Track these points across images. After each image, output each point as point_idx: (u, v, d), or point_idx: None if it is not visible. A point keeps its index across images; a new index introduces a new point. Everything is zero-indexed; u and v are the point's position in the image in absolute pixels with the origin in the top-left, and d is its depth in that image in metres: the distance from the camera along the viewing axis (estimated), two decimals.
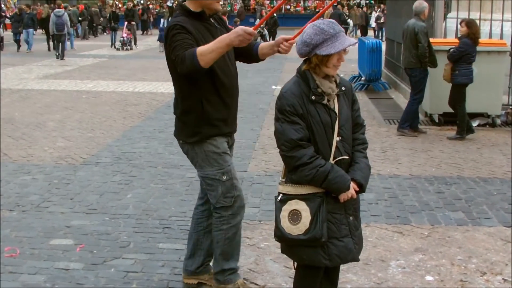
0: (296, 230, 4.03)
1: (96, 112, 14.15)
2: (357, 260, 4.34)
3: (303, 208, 4.04)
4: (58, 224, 7.09)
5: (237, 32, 4.52)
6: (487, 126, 12.68)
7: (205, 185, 5.21)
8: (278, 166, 9.36)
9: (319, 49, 3.95)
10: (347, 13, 46.04)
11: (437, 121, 12.70)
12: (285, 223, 4.07)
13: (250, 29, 4.54)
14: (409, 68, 11.82)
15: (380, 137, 11.69)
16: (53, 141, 11.21)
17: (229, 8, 52.87)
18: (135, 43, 34.90)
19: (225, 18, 22.28)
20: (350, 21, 43.55)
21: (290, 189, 4.12)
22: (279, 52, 5.04)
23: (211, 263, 5.56)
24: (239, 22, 30.84)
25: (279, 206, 4.14)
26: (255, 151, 10.55)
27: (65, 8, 31.94)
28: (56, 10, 28.86)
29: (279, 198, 4.17)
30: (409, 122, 11.91)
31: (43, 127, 12.43)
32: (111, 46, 34.03)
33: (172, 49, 4.73)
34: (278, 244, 4.41)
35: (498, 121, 12.80)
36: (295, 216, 4.05)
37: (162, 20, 47.70)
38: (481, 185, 8.72)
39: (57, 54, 27.70)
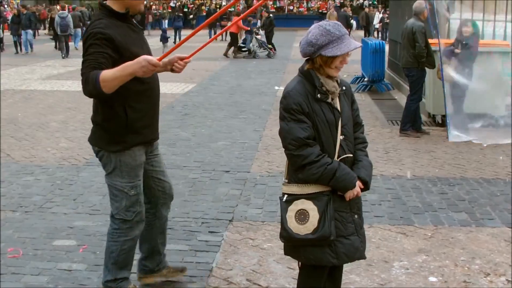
0: (304, 229, 4.03)
1: None
2: (364, 257, 4.35)
3: (311, 208, 4.04)
4: (61, 225, 7.09)
5: (141, 63, 4.37)
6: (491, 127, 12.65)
7: (110, 193, 5.05)
8: (281, 167, 9.36)
9: (324, 50, 3.97)
10: (351, 15, 46.05)
11: (440, 121, 12.67)
12: (292, 223, 4.07)
13: (155, 60, 4.40)
14: (407, 68, 11.84)
15: (383, 138, 11.67)
16: (56, 142, 11.21)
17: (232, 9, 52.71)
18: None
19: (237, 18, 22.29)
20: (354, 23, 43.56)
21: (295, 189, 4.12)
22: (172, 71, 4.96)
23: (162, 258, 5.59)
24: (252, 21, 30.79)
25: (285, 206, 4.13)
26: (258, 152, 10.54)
27: (74, 9, 32.88)
28: (60, 12, 30.38)
29: (284, 198, 4.16)
30: (410, 123, 11.89)
31: (46, 128, 12.43)
32: None
33: (83, 62, 4.54)
34: (282, 245, 4.40)
35: (502, 122, 12.76)
36: (302, 215, 4.05)
37: (163, 21, 47.67)
38: (485, 186, 8.70)
39: (63, 55, 28.68)
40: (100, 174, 9.09)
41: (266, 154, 10.41)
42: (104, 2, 4.85)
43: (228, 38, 31.97)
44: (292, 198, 4.12)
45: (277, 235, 6.69)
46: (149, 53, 4.78)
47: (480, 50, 12.04)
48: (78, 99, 15.57)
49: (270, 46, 29.21)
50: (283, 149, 4.21)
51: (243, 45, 29.75)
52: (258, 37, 29.95)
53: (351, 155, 4.25)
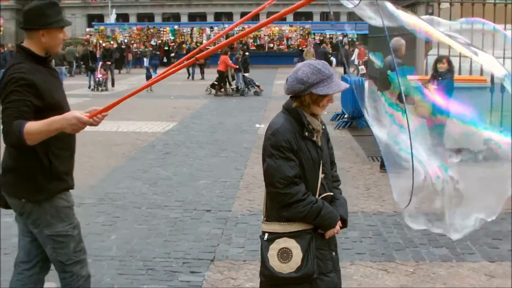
0: (287, 268, 4.02)
1: (80, 152, 13.95)
2: None
3: (294, 246, 4.04)
4: None
5: (70, 120, 4.23)
6: (471, 161, 12.71)
7: (54, 244, 4.76)
8: (262, 206, 9.36)
9: (315, 89, 4.02)
10: (330, 51, 46.39)
11: None
12: (274, 262, 4.06)
13: (85, 118, 4.27)
14: None
15: (363, 174, 11.71)
16: None
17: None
18: (112, 84, 33.23)
19: (226, 56, 22.12)
20: (333, 59, 43.88)
21: (277, 227, 4.11)
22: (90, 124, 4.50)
23: None
24: (240, 59, 30.78)
25: (266, 245, 4.12)
26: (239, 190, 10.54)
27: (83, 45, 34.57)
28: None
29: (265, 237, 4.15)
30: None
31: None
32: (89, 88, 32.71)
33: (4, 109, 4.31)
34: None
35: (480, 157, 12.82)
36: (285, 254, 4.04)
37: (144, 59, 47.72)
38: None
39: None
40: (80, 214, 8.94)
41: (247, 192, 10.41)
42: (22, 44, 4.68)
43: (208, 76, 32.08)
44: (274, 236, 4.11)
45: (258, 274, 6.70)
46: (66, 101, 4.79)
47: (457, 86, 12.14)
48: None
49: (257, 84, 29.25)
50: (266, 187, 4.21)
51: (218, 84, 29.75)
52: (247, 75, 30.01)
53: (331, 194, 4.29)
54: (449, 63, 11.43)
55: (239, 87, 29.14)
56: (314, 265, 4.05)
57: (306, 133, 4.11)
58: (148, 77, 31.32)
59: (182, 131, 17.64)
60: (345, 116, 18.54)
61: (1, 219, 8.80)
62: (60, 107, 4.61)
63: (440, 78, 11.32)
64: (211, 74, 31.89)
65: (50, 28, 4.60)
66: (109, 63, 33.88)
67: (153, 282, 6.61)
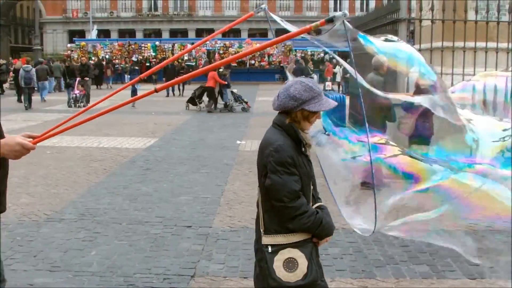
0: (294, 277, 4.17)
1: (61, 167, 14.06)
2: None
3: (298, 255, 4.19)
4: (21, 282, 7.00)
5: (13, 147, 4.05)
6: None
7: None
8: (243, 222, 9.37)
9: (307, 105, 4.19)
10: (312, 68, 46.55)
11: None
12: (281, 272, 4.18)
13: (30, 144, 4.09)
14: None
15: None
16: (17, 197, 11.09)
17: (193, 64, 53.03)
18: (87, 100, 31.76)
19: (215, 72, 21.91)
20: (315, 76, 44.01)
21: (281, 239, 4.23)
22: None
23: None
24: (228, 75, 30.64)
25: (271, 257, 4.22)
26: (220, 207, 10.52)
27: (41, 63, 35.39)
28: (25, 65, 31.59)
29: (269, 250, 4.24)
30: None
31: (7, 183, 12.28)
32: (68, 104, 31.62)
33: None
34: None
35: None
36: (290, 264, 4.18)
37: (125, 75, 47.69)
38: (446, 237, 8.75)
39: (26, 105, 30.30)
40: (61, 230, 9.07)
41: (228, 208, 10.40)
42: None
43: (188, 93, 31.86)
44: (278, 248, 4.22)
45: None
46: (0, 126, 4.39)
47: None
48: (39, 154, 15.46)
49: (245, 100, 29.20)
50: (265, 202, 4.30)
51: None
52: (235, 90, 29.97)
53: (322, 204, 4.49)
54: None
55: (228, 103, 29.11)
56: (318, 271, 4.27)
57: (303, 149, 4.29)
58: (133, 91, 31.03)
59: (163, 147, 17.60)
60: (326, 132, 18.57)
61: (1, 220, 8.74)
62: None
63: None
64: (190, 91, 31.79)
65: None
66: (87, 79, 33.09)
67: None
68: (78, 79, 32.08)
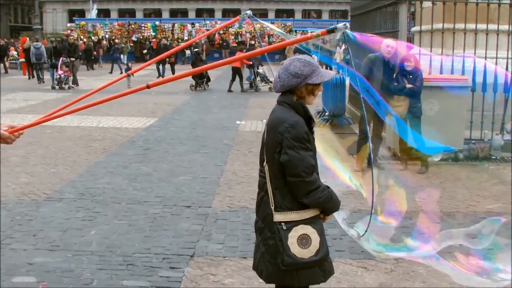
0: (308, 252, 4.22)
1: (60, 147, 14.04)
2: (333, 272, 4.53)
3: (311, 231, 4.25)
4: (20, 261, 7.00)
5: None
6: (450, 160, 12.81)
7: None
8: (243, 202, 9.38)
9: (310, 79, 4.24)
10: (311, 48, 46.36)
11: (399, 155, 12.77)
12: (296, 249, 4.22)
13: (5, 133, 4.12)
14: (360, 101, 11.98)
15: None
16: (16, 177, 11.09)
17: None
18: (75, 83, 31.21)
19: (241, 53, 21.98)
20: (315, 56, 43.83)
21: (294, 216, 4.27)
22: (5, 142, 4.25)
23: None
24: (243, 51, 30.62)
25: (285, 234, 4.25)
26: (220, 187, 10.52)
27: (52, 42, 36.63)
28: (35, 43, 34.65)
29: (284, 227, 4.26)
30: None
31: (6, 163, 12.29)
32: (52, 85, 30.72)
33: None
34: (244, 280, 4.43)
35: (461, 156, 12.94)
36: (304, 240, 4.23)
37: (122, 55, 47.17)
38: (444, 219, 8.76)
39: (41, 78, 33.74)
40: (60, 209, 9.07)
41: (227, 189, 10.40)
42: None
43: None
44: (291, 225, 4.26)
45: (238, 270, 6.72)
46: None
47: (438, 85, 12.22)
48: (39, 134, 15.45)
49: (271, 80, 29.17)
50: (277, 179, 4.30)
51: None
52: (260, 70, 29.92)
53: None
54: (416, 61, 11.47)
55: (253, 83, 29.11)
56: (327, 247, 4.34)
57: (312, 125, 4.38)
58: (127, 70, 30.83)
59: (163, 127, 17.59)
60: (326, 113, 18.57)
61: (1, 218, 8.75)
62: None
63: (410, 76, 11.34)
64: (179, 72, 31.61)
65: None
66: (73, 59, 31.84)
67: (132, 277, 6.59)
68: (61, 58, 31.21)
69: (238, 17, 5.58)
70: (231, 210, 9.17)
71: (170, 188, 10.37)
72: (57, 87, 30.11)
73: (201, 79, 29.30)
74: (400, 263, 7.06)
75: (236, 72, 29.05)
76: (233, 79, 29.15)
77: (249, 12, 5.48)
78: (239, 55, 28.26)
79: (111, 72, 42.16)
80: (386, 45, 11.80)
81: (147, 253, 7.33)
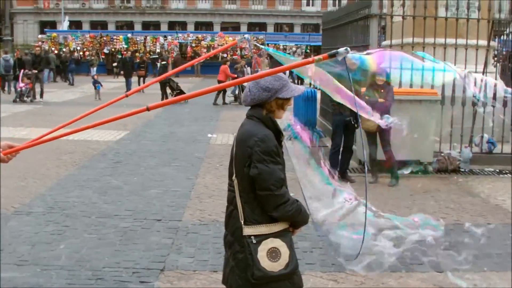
0: (278, 266, 4.21)
1: (30, 160, 13.92)
2: (303, 286, 4.51)
3: (280, 244, 4.24)
4: None
5: None
6: (420, 173, 12.91)
7: None
8: (214, 215, 9.37)
9: (281, 93, 4.27)
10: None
11: (369, 168, 12.84)
12: (265, 262, 4.20)
13: (0, 155, 4.03)
14: (331, 114, 12.21)
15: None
16: None
17: (156, 57, 52.24)
18: (41, 95, 30.22)
19: (226, 66, 22.27)
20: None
21: (263, 229, 4.25)
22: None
23: None
24: (240, 69, 30.92)
25: (255, 248, 4.23)
26: (190, 200, 10.51)
27: (26, 54, 35.50)
28: (4, 55, 34.15)
29: (253, 241, 4.25)
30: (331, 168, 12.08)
31: None
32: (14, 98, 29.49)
33: None
34: None
35: (430, 168, 13.06)
36: (273, 253, 4.22)
37: (91, 68, 46.84)
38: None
39: (7, 90, 33.30)
40: (29, 223, 8.99)
41: (198, 202, 10.38)
42: None
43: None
44: (261, 238, 4.24)
45: (209, 284, 6.71)
46: None
47: (408, 99, 12.34)
48: None
49: None
50: (244, 193, 4.28)
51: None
52: (245, 84, 30.04)
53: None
54: (387, 76, 11.59)
55: (237, 97, 29.20)
56: (297, 260, 4.33)
57: (281, 139, 4.38)
58: (94, 83, 30.67)
59: (134, 140, 17.53)
60: (297, 126, 18.60)
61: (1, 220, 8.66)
62: None
63: (382, 91, 11.43)
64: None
65: None
66: (35, 71, 30.63)
67: None
68: (22, 71, 30.09)
69: (235, 40, 5.61)
70: (201, 224, 9.15)
71: (141, 202, 10.32)
72: (18, 99, 28.98)
73: (175, 92, 29.40)
74: (370, 275, 7.09)
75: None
76: (218, 92, 29.20)
77: (247, 36, 5.54)
78: (224, 68, 28.61)
79: (72, 84, 42.15)
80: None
81: (117, 267, 7.29)
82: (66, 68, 46.42)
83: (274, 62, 33.70)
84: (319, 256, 7.77)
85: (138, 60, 40.35)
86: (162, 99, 29.00)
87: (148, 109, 3.83)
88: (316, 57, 3.75)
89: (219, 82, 29.32)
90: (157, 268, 7.27)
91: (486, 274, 7.21)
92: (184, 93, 29.67)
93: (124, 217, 9.39)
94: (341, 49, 3.72)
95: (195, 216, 9.56)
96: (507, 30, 21.15)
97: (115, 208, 9.93)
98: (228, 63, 31.28)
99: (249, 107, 4.40)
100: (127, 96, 4.13)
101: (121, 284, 6.77)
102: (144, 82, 36.26)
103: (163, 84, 29.54)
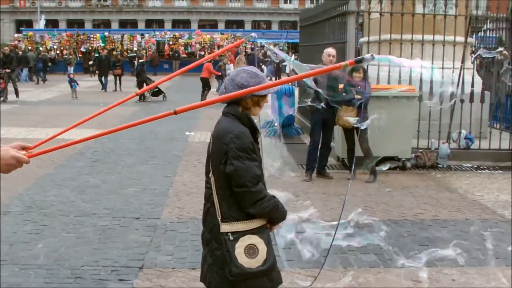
0: (256, 262, 4.20)
1: None
2: (281, 282, 4.51)
3: (258, 241, 4.23)
4: None
5: (8, 160, 3.77)
6: (398, 169, 12.98)
7: None
8: (192, 213, 9.37)
9: (256, 91, 4.19)
10: (263, 58, 46.69)
11: (348, 165, 12.90)
12: (243, 259, 4.20)
13: (25, 158, 3.85)
14: (309, 111, 12.23)
15: (293, 182, 11.79)
16: None
17: (134, 55, 51.86)
18: (16, 95, 29.40)
19: (210, 64, 22.33)
20: (265, 68, 44.16)
21: (241, 226, 4.25)
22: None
23: None
24: (223, 66, 30.92)
25: (232, 244, 4.23)
26: (169, 198, 10.50)
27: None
28: None
29: (231, 238, 4.24)
30: (310, 166, 12.13)
31: None
32: None
33: None
34: None
35: (408, 164, 13.13)
36: (251, 250, 4.21)
37: (68, 67, 46.58)
38: (392, 227, 8.87)
39: None
40: (7, 222, 8.94)
41: (176, 200, 10.38)
42: None
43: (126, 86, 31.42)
44: (238, 235, 4.24)
45: (187, 281, 6.71)
46: None
47: (386, 94, 12.39)
48: None
49: None
50: (222, 190, 4.27)
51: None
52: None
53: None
54: (365, 72, 11.68)
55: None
56: (275, 256, 4.33)
57: (257, 136, 4.37)
58: (70, 81, 30.55)
59: (112, 138, 17.42)
60: (275, 124, 18.63)
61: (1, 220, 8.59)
62: None
63: (358, 86, 11.47)
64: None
65: None
66: (8, 70, 30.25)
67: None
68: None
69: (243, 39, 5.69)
70: (180, 221, 9.15)
71: (119, 200, 10.30)
72: None
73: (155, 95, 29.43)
74: (349, 270, 7.12)
75: (204, 82, 29.21)
76: (203, 89, 29.25)
77: (254, 34, 5.59)
78: (207, 65, 28.61)
79: (43, 81, 42.13)
80: (328, 54, 11.96)
81: (95, 265, 7.27)
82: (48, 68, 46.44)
83: (250, 60, 33.79)
84: (297, 252, 7.77)
85: (114, 59, 40.01)
86: (140, 97, 28.92)
87: (175, 112, 3.81)
88: (343, 63, 3.75)
89: (202, 79, 29.32)
90: (136, 266, 7.26)
91: (464, 269, 7.26)
92: (161, 91, 29.60)
93: (103, 216, 9.37)
94: (367, 55, 3.72)
95: (173, 214, 9.55)
96: (484, 26, 21.35)
97: (93, 206, 9.90)
98: (212, 61, 31.32)
99: (225, 104, 4.40)
100: (137, 94, 4.13)
101: (100, 283, 6.76)
102: (120, 81, 36.10)
103: (140, 82, 29.51)
